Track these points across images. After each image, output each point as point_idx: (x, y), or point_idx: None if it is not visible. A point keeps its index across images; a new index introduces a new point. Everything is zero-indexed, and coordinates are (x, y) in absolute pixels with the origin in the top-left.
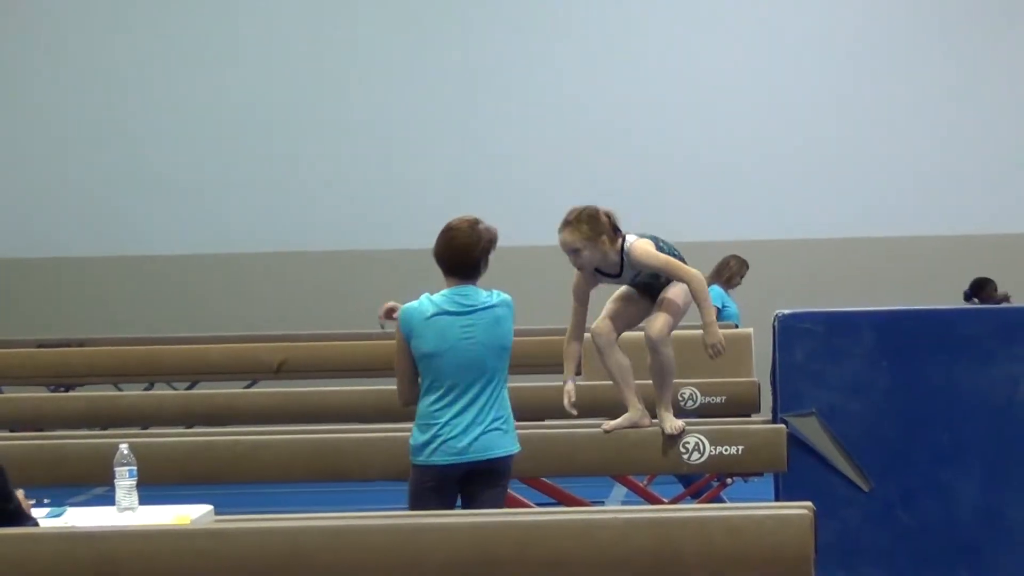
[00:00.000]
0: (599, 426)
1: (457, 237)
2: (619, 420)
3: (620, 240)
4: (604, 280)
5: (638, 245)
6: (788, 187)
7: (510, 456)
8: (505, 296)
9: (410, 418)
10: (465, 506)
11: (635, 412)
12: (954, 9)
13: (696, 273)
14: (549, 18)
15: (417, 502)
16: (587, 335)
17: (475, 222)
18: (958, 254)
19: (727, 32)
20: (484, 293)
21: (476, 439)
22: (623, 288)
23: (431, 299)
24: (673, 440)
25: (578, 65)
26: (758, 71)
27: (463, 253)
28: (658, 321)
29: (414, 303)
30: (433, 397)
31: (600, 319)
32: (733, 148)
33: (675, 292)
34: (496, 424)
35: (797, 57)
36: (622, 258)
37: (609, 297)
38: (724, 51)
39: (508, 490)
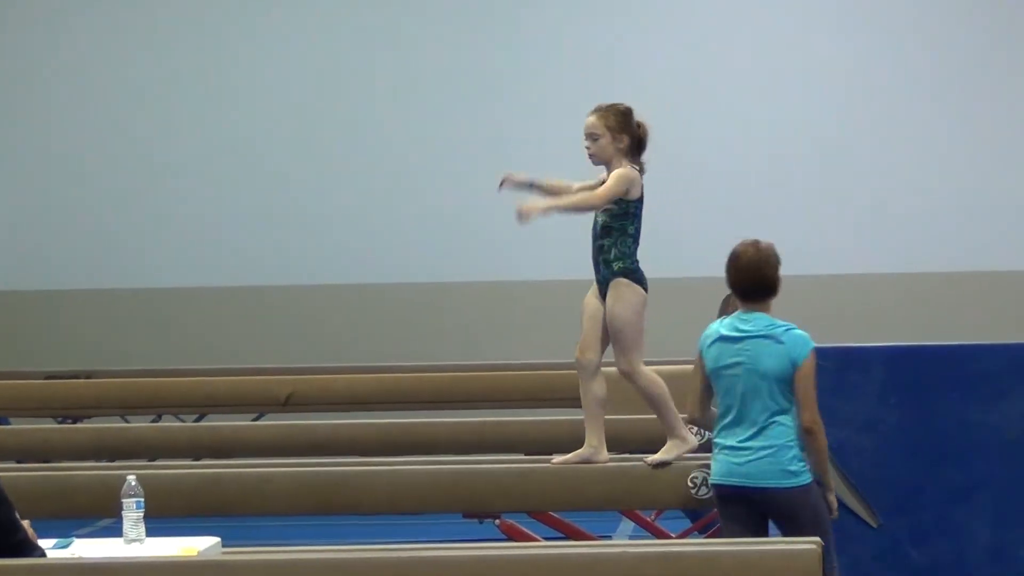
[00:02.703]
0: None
1: (739, 261)
2: (569, 455)
3: (632, 161)
4: None
5: (626, 171)
6: (801, 223)
7: (770, 490)
8: (795, 331)
9: (409, 452)
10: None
11: (587, 448)
12: (992, 42)
13: (615, 188)
14: (569, 48)
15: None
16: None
17: (756, 243)
18: (971, 291)
19: (749, 64)
20: (767, 321)
21: (740, 465)
22: (585, 304)
23: (721, 323)
24: (681, 474)
25: (590, 101)
26: (777, 105)
27: (744, 276)
28: (618, 358)
29: (712, 324)
30: (718, 418)
31: (580, 345)
32: (747, 184)
33: (618, 316)
34: (762, 453)
35: (819, 92)
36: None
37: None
38: (745, 85)
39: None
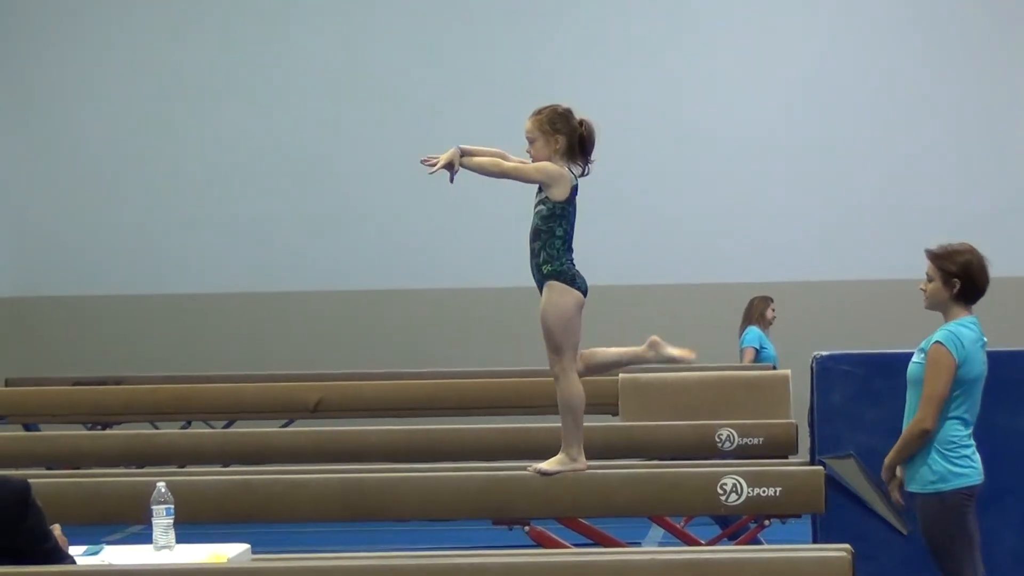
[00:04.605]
0: (635, 466)
1: (981, 265)
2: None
3: (572, 162)
4: None
5: (551, 164)
6: (828, 229)
7: None
8: None
9: (439, 458)
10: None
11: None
12: (990, 57)
13: (528, 169)
14: (574, 51)
15: (959, 528)
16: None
17: (973, 247)
18: (998, 296)
19: (759, 76)
20: None
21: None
22: None
23: (967, 327)
24: (711, 481)
25: (609, 108)
26: (792, 115)
27: (985, 280)
28: (549, 359)
29: (962, 329)
30: (961, 421)
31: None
32: (774, 189)
33: (544, 318)
34: None
35: (833, 101)
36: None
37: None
38: (758, 95)
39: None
